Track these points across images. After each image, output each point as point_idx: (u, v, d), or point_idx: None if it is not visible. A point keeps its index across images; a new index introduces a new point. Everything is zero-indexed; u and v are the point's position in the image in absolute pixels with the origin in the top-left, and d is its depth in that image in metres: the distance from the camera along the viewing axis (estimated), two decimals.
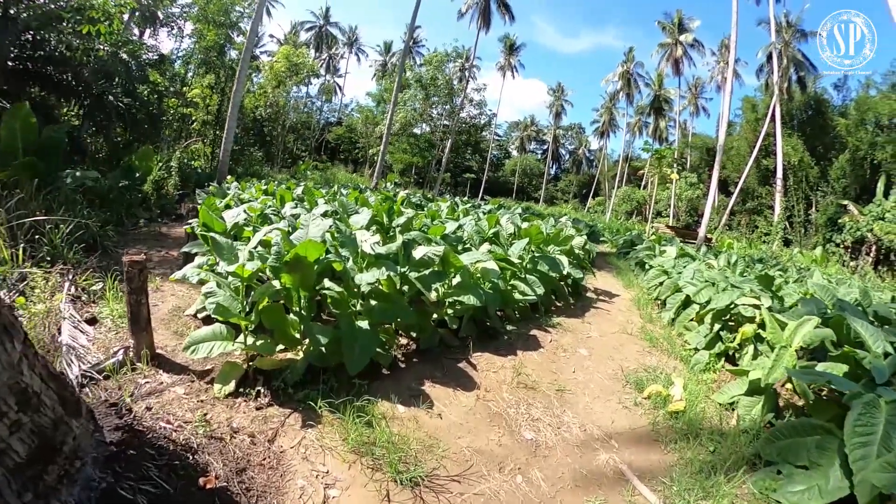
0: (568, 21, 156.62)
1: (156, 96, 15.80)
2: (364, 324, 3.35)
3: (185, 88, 22.13)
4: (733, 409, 4.20)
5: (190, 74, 24.00)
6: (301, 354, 3.37)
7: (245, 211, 4.76)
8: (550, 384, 4.01)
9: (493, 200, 14.77)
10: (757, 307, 5.17)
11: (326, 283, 3.27)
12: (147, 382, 3.18)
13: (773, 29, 31.82)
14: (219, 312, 2.91)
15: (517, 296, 5.14)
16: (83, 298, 4.85)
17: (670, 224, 31.56)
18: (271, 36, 49.25)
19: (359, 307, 3.53)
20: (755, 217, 34.41)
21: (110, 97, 11.47)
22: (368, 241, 3.63)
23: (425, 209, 9.64)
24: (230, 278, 3.14)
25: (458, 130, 37.61)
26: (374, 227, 5.84)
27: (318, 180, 23.38)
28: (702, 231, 18.38)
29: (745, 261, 10.29)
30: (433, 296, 4.06)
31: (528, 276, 5.46)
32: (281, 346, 3.41)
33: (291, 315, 3.37)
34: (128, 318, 3.36)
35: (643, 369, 4.75)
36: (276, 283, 3.18)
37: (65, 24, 9.45)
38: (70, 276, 5.09)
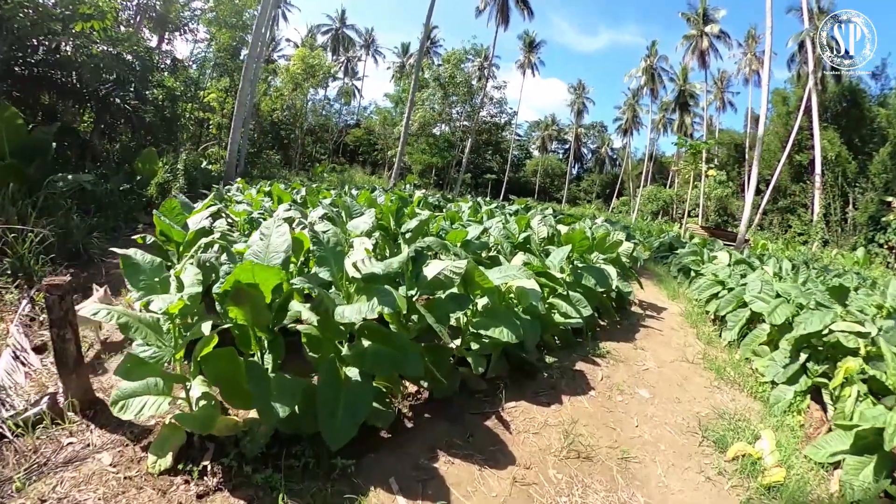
0: (585, 18, 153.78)
1: (169, 101, 15.41)
2: (353, 372, 2.42)
3: (202, 93, 21.83)
4: (833, 467, 3.28)
5: (208, 79, 23.75)
6: None
7: (226, 215, 3.88)
8: (611, 449, 3.01)
9: (520, 200, 13.76)
10: (861, 335, 4.10)
11: (304, 313, 2.29)
12: (70, 444, 2.40)
13: (806, 16, 30.07)
14: (129, 371, 2.05)
15: (558, 318, 4.12)
16: (42, 319, 4.13)
17: (702, 224, 30.00)
18: (288, 40, 49.20)
19: (345, 349, 2.56)
20: (788, 216, 32.75)
21: (117, 100, 10.92)
22: (353, 258, 2.62)
23: (444, 211, 8.70)
24: (156, 315, 2.23)
25: (478, 130, 36.60)
26: (378, 234, 4.92)
27: (335, 182, 22.79)
28: (741, 231, 17.11)
29: (808, 267, 9.16)
30: (452, 324, 3.10)
31: (570, 292, 4.42)
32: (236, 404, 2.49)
33: (255, 358, 2.46)
34: (53, 357, 2.59)
35: (717, 414, 3.79)
36: (205, 327, 2.21)
37: (54, 22, 8.89)
38: (30, 293, 4.37)
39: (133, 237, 7.79)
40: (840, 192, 28.32)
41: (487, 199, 21.76)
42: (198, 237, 3.62)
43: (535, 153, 64.72)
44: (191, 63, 22.55)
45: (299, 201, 7.59)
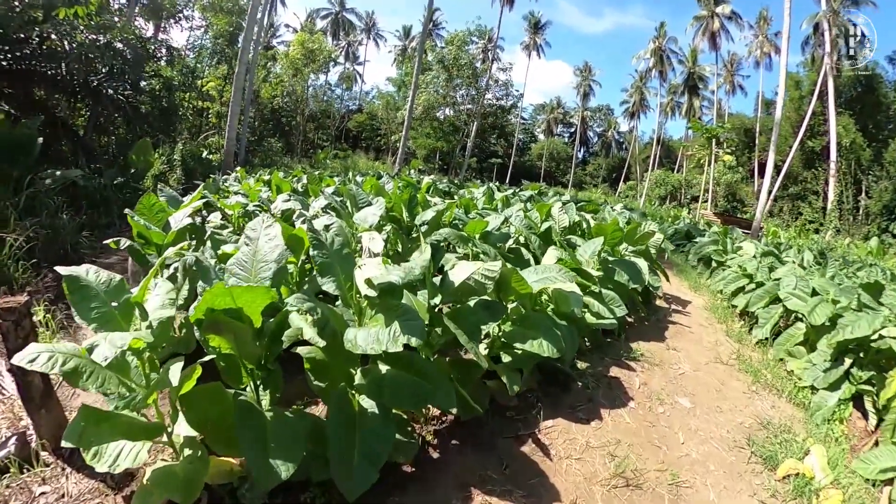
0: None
1: (166, 90, 14.98)
2: (369, 403, 2.02)
3: (200, 82, 21.38)
4: (883, 484, 3.01)
5: (206, 67, 23.26)
6: None
7: (218, 208, 3.46)
8: (659, 472, 2.68)
9: (532, 185, 13.24)
10: None
11: (307, 330, 1.85)
12: (43, 493, 2.06)
13: None
14: (84, 432, 1.67)
15: (590, 319, 3.74)
16: None
17: (713, 210, 29.41)
18: (287, 25, 48.42)
19: (358, 377, 2.14)
20: (799, 203, 32.09)
21: (109, 90, 10.49)
22: (366, 272, 2.10)
23: (456, 198, 8.26)
24: (121, 350, 1.79)
25: (483, 113, 35.89)
26: (389, 227, 4.52)
27: (338, 168, 22.42)
28: (757, 218, 16.64)
29: (832, 259, 8.76)
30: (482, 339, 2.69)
31: (603, 289, 4.03)
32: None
33: (247, 392, 2.05)
34: (17, 391, 2.23)
35: (760, 424, 3.49)
36: (173, 374, 1.71)
37: (34, 10, 8.46)
38: None
39: (127, 233, 7.51)
40: (853, 179, 27.66)
41: (496, 183, 21.27)
42: (180, 238, 3.21)
43: (541, 137, 63.83)
44: (187, 51, 22.07)
45: (300, 190, 7.19)
